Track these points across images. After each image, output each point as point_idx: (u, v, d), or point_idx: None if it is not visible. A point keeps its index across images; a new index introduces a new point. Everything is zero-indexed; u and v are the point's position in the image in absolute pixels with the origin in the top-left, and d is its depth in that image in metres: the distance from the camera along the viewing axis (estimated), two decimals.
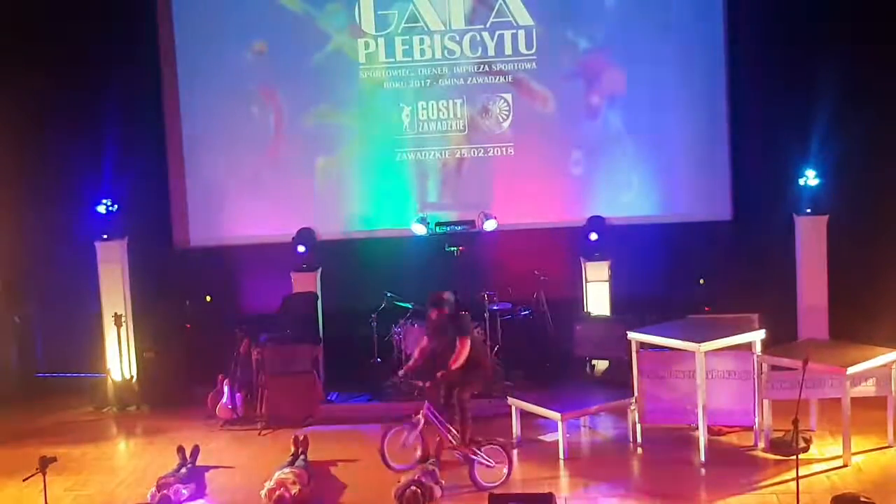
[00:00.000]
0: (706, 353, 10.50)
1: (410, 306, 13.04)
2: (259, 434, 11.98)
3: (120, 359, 13.21)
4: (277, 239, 13.68)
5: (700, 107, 13.68)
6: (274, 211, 14.00)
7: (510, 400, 11.43)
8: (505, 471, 10.15)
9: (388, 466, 10.14)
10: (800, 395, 9.20)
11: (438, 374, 10.10)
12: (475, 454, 10.09)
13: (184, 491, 10.13)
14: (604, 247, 13.33)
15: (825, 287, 12.76)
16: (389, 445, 10.18)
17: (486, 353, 10.90)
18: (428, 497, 9.65)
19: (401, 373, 10.63)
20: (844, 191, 12.83)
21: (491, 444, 10.22)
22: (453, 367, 10.07)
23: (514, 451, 10.75)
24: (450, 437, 10.17)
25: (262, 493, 9.90)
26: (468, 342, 10.19)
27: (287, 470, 10.14)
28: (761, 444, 10.75)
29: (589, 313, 13.19)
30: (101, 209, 13.26)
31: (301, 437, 10.87)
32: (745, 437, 10.99)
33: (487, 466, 10.14)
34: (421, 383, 10.30)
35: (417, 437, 10.20)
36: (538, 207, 13.87)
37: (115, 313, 13.10)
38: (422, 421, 10.14)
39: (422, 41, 13.87)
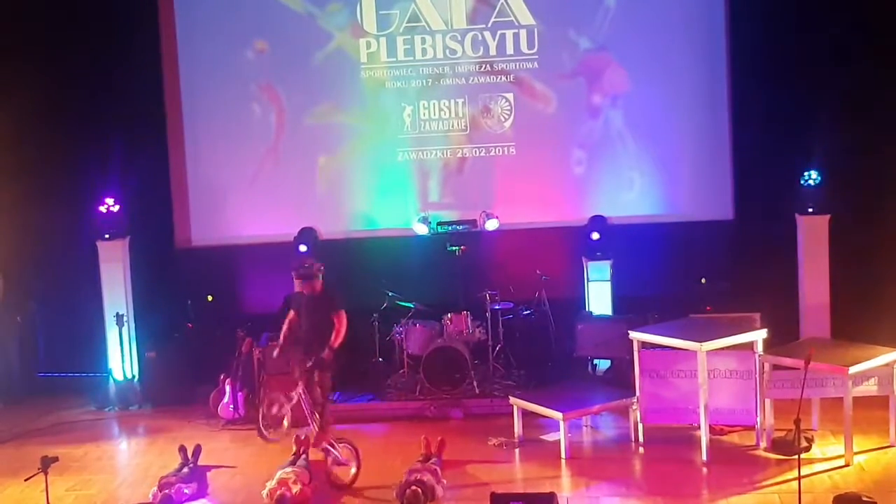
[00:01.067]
0: (708, 352, 10.49)
1: (412, 306, 13.06)
2: None
3: (122, 358, 13.22)
4: (279, 238, 13.67)
5: (702, 106, 13.66)
6: (275, 210, 13.99)
7: (512, 399, 11.44)
8: (353, 470, 10.23)
9: (262, 435, 10.23)
10: (801, 395, 9.18)
11: (324, 355, 10.01)
12: (333, 447, 10.19)
13: (185, 490, 10.13)
14: (605, 246, 13.32)
15: (827, 286, 12.74)
16: (266, 412, 10.25)
17: None
18: (429, 496, 9.65)
19: (276, 353, 10.57)
20: (846, 190, 12.79)
21: (342, 442, 10.30)
22: (335, 345, 9.99)
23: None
24: (313, 424, 10.23)
25: (264, 492, 9.92)
26: (345, 316, 10.06)
27: (288, 469, 10.16)
28: (763, 444, 10.75)
29: (591, 313, 13.18)
30: (103, 209, 13.26)
31: (302, 437, 10.86)
32: (746, 437, 10.99)
33: (339, 463, 10.21)
34: (308, 364, 10.12)
35: (288, 411, 10.24)
36: (540, 207, 13.85)
37: (117, 313, 13.11)
38: (295, 398, 10.21)
39: (423, 41, 13.85)
